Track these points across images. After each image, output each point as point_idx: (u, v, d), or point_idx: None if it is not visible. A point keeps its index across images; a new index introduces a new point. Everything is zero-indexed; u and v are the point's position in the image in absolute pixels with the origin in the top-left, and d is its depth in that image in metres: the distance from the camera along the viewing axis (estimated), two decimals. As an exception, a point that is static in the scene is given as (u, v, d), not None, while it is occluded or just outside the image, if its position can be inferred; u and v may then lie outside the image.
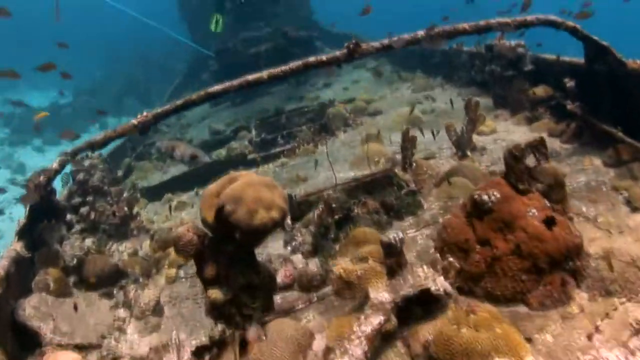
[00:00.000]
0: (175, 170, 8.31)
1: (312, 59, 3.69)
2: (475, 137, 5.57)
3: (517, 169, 3.05)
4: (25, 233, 4.18)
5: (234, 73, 12.04)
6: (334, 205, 3.82)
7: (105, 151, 11.97)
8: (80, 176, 6.01)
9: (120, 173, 8.60)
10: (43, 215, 4.50)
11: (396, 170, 4.67)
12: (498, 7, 8.80)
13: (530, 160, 3.08)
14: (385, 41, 3.72)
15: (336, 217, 3.85)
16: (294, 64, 3.74)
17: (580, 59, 5.41)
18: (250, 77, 3.81)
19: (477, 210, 3.04)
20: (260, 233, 2.65)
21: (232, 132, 9.52)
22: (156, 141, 10.45)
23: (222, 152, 7.98)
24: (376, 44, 3.69)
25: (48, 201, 4.57)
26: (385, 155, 5.44)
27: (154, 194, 7.47)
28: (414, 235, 3.84)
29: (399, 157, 5.39)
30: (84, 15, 44.60)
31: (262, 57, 12.32)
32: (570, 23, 4.32)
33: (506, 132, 5.85)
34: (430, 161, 5.21)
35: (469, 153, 5.22)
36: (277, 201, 2.59)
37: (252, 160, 7.30)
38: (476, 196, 3.03)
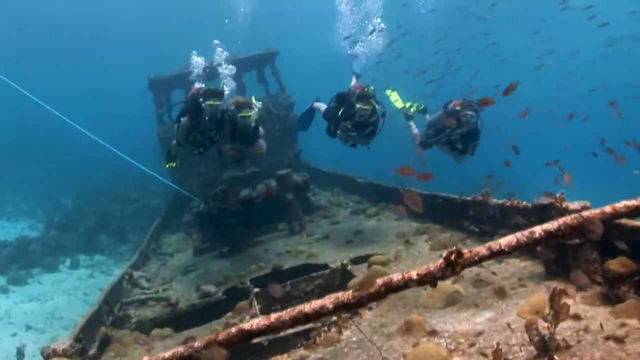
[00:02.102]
0: (162, 345, 7.04)
1: (397, 277, 2.59)
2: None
3: None
4: None
5: (219, 217, 11.13)
6: None
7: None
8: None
9: (94, 350, 7.19)
10: None
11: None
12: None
13: None
14: (495, 245, 2.65)
15: None
16: (376, 288, 2.62)
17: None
18: (309, 307, 2.65)
19: None
20: None
21: (224, 294, 8.37)
22: (135, 298, 9.22)
23: (218, 329, 6.68)
24: (483, 250, 2.63)
25: None
26: (447, 361, 4.23)
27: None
28: None
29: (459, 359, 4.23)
30: (54, 141, 44.35)
31: (253, 204, 11.46)
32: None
33: (585, 320, 4.67)
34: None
35: (556, 357, 4.06)
36: None
37: (257, 345, 6.03)
38: None
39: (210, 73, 12.50)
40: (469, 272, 6.69)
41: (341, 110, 9.67)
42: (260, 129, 10.09)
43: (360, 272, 7.58)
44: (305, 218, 12.03)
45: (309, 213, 12.48)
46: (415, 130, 10.60)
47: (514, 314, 4.95)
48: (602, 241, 5.27)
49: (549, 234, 2.73)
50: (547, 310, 4.40)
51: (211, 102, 9.16)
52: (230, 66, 11.68)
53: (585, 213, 2.89)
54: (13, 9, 47.52)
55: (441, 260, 2.56)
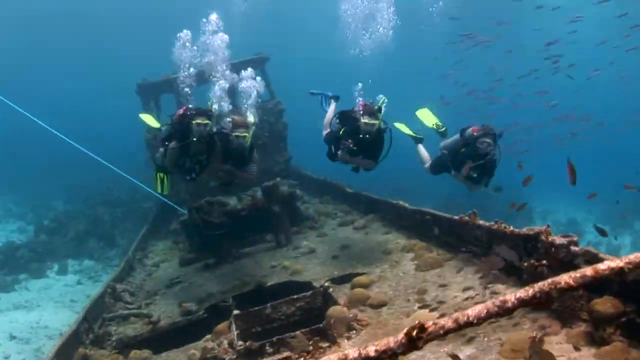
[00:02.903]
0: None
1: (353, 354, 2.37)
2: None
3: None
4: None
5: (206, 229, 10.92)
6: None
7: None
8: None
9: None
10: None
11: None
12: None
13: None
14: (463, 317, 2.43)
15: None
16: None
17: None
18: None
19: None
20: None
21: (206, 312, 8.21)
22: (117, 314, 9.01)
23: (195, 353, 6.51)
24: (449, 323, 2.40)
25: None
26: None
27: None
28: None
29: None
30: (46, 142, 44.09)
31: (239, 215, 11.30)
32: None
33: (570, 364, 4.45)
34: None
35: (535, 406, 3.87)
36: None
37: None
38: None
39: (200, 78, 11.87)
40: (452, 299, 6.50)
41: (343, 130, 8.96)
42: (255, 153, 9.51)
43: (343, 293, 7.41)
44: (293, 229, 11.81)
45: (296, 224, 12.25)
46: (425, 154, 9.97)
47: (495, 351, 4.76)
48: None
49: (522, 302, 2.50)
50: (527, 352, 4.23)
51: (199, 121, 8.57)
52: (224, 82, 10.82)
53: (564, 277, 2.65)
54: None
55: (402, 335, 2.35)
